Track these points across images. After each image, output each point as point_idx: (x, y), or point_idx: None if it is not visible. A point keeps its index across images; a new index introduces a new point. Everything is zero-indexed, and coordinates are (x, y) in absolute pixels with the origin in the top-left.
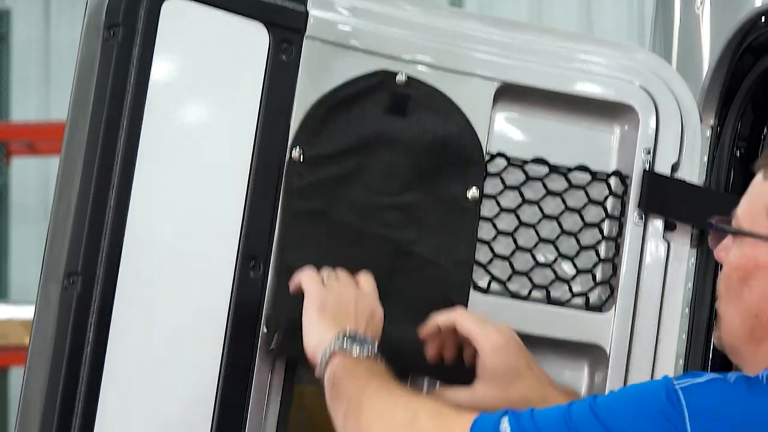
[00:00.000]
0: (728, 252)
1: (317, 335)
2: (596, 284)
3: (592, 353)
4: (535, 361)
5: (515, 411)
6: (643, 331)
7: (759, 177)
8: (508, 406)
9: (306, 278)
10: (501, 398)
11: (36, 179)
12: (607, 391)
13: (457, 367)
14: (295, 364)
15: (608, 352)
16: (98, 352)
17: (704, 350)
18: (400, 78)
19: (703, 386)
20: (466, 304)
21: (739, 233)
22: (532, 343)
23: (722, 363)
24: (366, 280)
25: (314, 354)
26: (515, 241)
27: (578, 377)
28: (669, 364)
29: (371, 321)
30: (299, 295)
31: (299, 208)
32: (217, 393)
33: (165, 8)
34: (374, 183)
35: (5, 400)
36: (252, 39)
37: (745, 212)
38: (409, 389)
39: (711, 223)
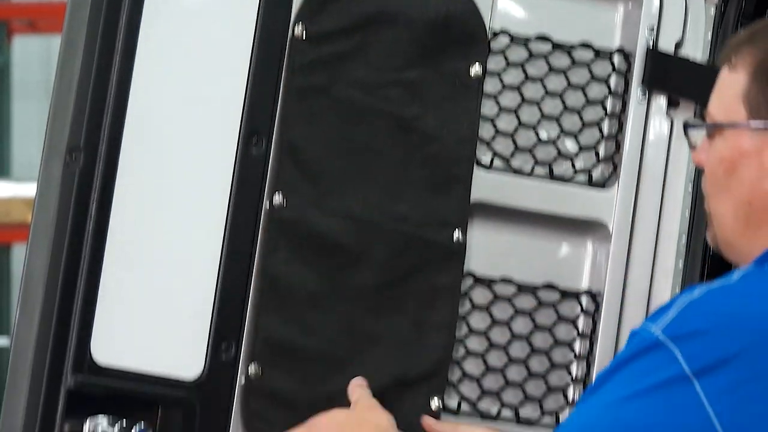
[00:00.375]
0: (707, 153)
1: None
2: (599, 161)
3: (594, 229)
4: None
5: None
6: (646, 208)
7: (724, 71)
8: None
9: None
10: None
11: (38, 57)
12: (609, 266)
13: None
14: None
15: (611, 229)
16: (100, 227)
17: (707, 227)
18: None
19: (678, 318)
20: (469, 181)
21: (717, 126)
22: (534, 219)
23: None
24: (359, 395)
25: None
26: (518, 118)
27: (581, 253)
28: (672, 241)
29: None
30: None
31: (301, 85)
32: (219, 267)
33: None
34: (377, 60)
35: (8, 277)
36: None
37: (717, 107)
38: None
39: (686, 123)
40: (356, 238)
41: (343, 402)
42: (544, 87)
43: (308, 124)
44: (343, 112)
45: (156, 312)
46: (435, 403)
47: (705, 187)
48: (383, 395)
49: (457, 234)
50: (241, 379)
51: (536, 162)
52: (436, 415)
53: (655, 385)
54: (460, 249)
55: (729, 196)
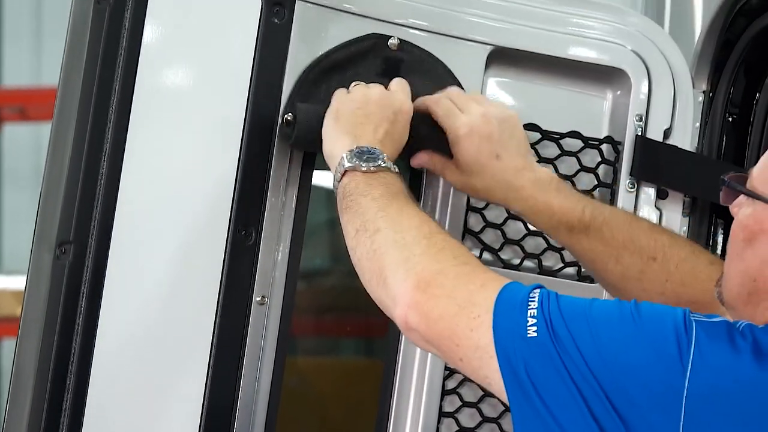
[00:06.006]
0: (740, 209)
1: (329, 145)
2: None
3: None
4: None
5: (547, 289)
6: None
7: None
8: (472, 193)
9: (338, 91)
10: (465, 183)
11: (28, 145)
12: None
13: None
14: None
15: None
16: (90, 322)
17: (718, 281)
18: (393, 41)
19: (714, 326)
20: None
21: (750, 195)
22: None
23: None
24: (397, 82)
25: (329, 163)
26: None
27: None
28: None
29: (393, 123)
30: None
31: None
32: (207, 377)
33: None
34: None
35: None
36: (244, 1)
37: (760, 173)
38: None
39: (724, 179)
40: None
41: None
42: None
43: None
44: None
45: (145, 418)
46: None
47: (728, 245)
48: None
49: None
50: None
51: (525, 255)
52: None
53: (662, 344)
54: None
55: (740, 264)
